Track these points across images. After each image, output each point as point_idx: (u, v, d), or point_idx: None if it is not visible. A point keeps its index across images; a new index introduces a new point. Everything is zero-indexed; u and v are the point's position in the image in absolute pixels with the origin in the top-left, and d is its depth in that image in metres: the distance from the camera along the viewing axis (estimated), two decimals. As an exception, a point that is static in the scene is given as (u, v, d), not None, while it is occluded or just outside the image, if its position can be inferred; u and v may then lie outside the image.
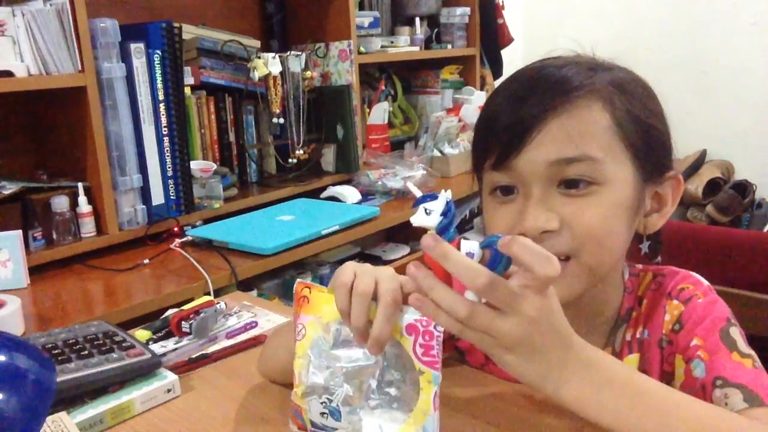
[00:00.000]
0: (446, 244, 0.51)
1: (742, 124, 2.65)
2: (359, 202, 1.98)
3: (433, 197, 0.53)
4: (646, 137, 0.66)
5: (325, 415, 0.62)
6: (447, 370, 0.80)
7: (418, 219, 0.53)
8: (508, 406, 0.73)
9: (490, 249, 0.51)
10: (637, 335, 0.73)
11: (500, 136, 0.65)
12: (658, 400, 0.54)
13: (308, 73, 2.05)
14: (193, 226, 1.71)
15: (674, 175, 0.70)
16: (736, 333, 0.67)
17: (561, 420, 0.69)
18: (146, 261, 1.52)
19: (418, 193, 0.54)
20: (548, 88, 0.64)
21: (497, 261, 0.51)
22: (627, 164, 0.65)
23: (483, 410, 0.72)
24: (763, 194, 2.62)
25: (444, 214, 0.52)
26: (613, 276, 0.74)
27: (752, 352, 0.66)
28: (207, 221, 1.76)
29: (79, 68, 1.48)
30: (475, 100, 2.57)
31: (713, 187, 2.60)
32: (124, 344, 0.81)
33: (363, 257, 2.04)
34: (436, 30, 2.60)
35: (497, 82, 2.74)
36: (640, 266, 0.77)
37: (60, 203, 1.51)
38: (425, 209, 0.52)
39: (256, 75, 1.92)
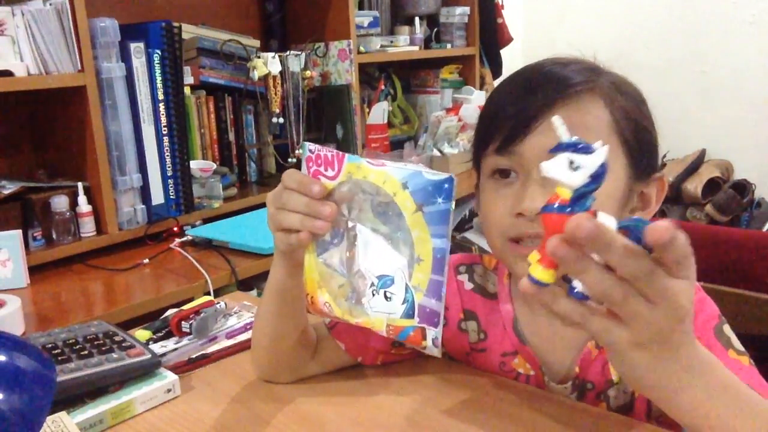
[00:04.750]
0: (610, 229, 0.42)
1: (742, 124, 2.65)
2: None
3: (586, 149, 0.42)
4: (639, 137, 0.69)
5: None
6: (426, 362, 0.81)
7: (554, 170, 0.43)
8: (493, 400, 0.73)
9: (629, 231, 0.43)
10: None
11: (506, 123, 0.68)
12: (756, 404, 0.53)
13: (308, 73, 2.05)
14: (193, 226, 1.71)
15: (660, 176, 0.72)
16: (729, 331, 0.68)
17: (542, 414, 0.69)
18: (146, 261, 1.52)
19: (566, 135, 0.43)
20: (555, 82, 0.67)
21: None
22: (621, 160, 0.68)
23: (466, 404, 0.73)
24: (762, 193, 2.62)
25: (595, 176, 0.42)
26: None
27: (745, 350, 0.66)
28: (207, 221, 1.76)
29: (79, 68, 1.48)
30: (475, 100, 2.57)
31: (712, 186, 2.60)
32: (124, 344, 0.81)
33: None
34: (435, 29, 2.60)
35: (497, 82, 2.74)
36: None
37: (60, 203, 1.51)
38: (570, 162, 0.42)
39: (256, 74, 1.92)
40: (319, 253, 0.66)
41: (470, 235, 2.39)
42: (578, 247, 0.43)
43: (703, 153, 2.71)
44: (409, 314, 0.60)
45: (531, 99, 0.67)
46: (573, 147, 0.43)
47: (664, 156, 2.70)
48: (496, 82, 2.74)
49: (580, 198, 0.43)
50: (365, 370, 0.82)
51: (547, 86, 0.67)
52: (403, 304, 0.60)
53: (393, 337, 0.62)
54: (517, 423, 0.69)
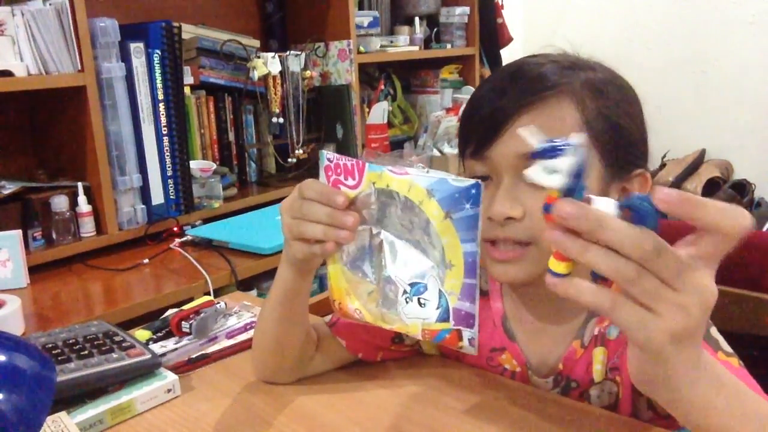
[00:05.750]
0: (595, 209, 0.42)
1: (741, 124, 2.65)
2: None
3: (557, 153, 0.43)
4: (614, 136, 0.69)
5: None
6: (425, 361, 0.81)
7: (535, 176, 0.44)
8: (492, 399, 0.73)
9: (632, 210, 0.42)
10: (603, 330, 0.73)
11: (478, 128, 0.69)
12: (752, 400, 0.52)
13: (308, 73, 2.05)
14: (193, 226, 1.71)
15: (642, 173, 0.73)
16: (717, 332, 0.68)
17: (544, 414, 0.69)
18: (146, 261, 1.52)
19: (536, 143, 0.44)
20: (524, 84, 0.68)
21: (642, 224, 0.42)
22: (593, 160, 0.68)
23: (466, 402, 0.73)
24: (762, 193, 2.62)
25: (574, 174, 0.44)
26: None
27: (733, 351, 0.66)
28: (206, 221, 1.76)
29: (79, 68, 1.48)
30: (475, 100, 2.57)
31: (712, 186, 2.60)
32: (124, 344, 0.81)
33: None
34: (435, 29, 2.60)
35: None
36: None
37: (60, 203, 1.51)
38: (545, 168, 0.44)
39: (256, 75, 1.92)
40: (344, 262, 0.66)
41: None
42: (574, 233, 0.43)
43: (702, 153, 2.71)
44: (443, 318, 0.60)
45: (501, 102, 0.67)
46: (543, 154, 0.44)
47: (664, 156, 2.70)
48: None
49: (568, 195, 0.44)
50: (365, 369, 0.82)
51: (517, 88, 0.67)
52: (437, 309, 0.60)
53: (429, 340, 0.63)
54: (520, 423, 0.69)
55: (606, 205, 0.43)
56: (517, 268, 0.68)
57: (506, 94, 0.68)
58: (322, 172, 0.65)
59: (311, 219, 0.63)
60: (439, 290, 0.60)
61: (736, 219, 0.42)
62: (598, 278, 0.45)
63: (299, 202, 0.64)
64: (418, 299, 0.61)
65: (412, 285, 0.61)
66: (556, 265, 0.46)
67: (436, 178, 0.58)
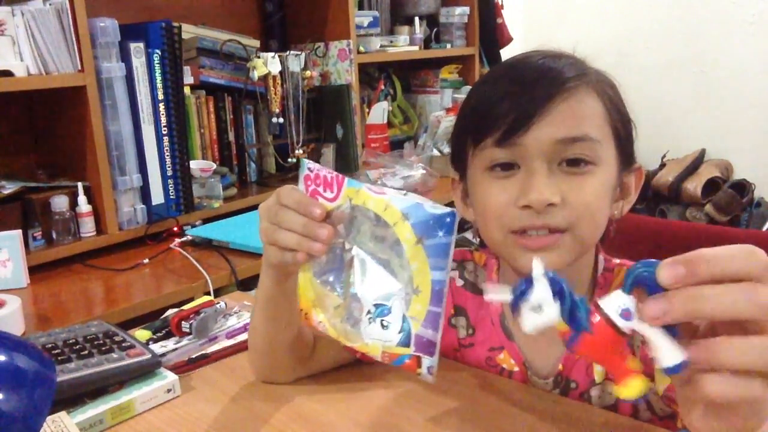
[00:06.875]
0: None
1: (741, 124, 2.65)
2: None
3: (525, 285, 0.44)
4: (624, 127, 0.71)
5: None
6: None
7: (532, 323, 0.43)
8: (494, 400, 0.73)
9: (643, 286, 0.41)
10: None
11: (506, 116, 0.67)
12: None
13: (308, 73, 2.05)
14: (193, 226, 1.72)
15: (638, 167, 0.75)
16: None
17: (529, 411, 0.69)
18: (146, 261, 1.52)
19: (504, 295, 0.45)
20: (551, 76, 0.68)
21: (656, 292, 0.41)
22: (612, 150, 0.70)
23: (466, 403, 0.73)
24: (761, 193, 2.62)
25: (558, 294, 0.43)
26: (587, 256, 0.76)
27: None
28: (206, 221, 1.76)
29: (79, 68, 1.48)
30: (475, 100, 2.56)
31: (712, 186, 2.60)
32: (124, 344, 0.81)
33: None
34: (435, 29, 2.60)
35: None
36: (617, 261, 0.79)
37: (60, 203, 1.51)
38: (532, 308, 0.43)
39: (256, 74, 1.92)
40: (314, 273, 0.66)
41: (470, 235, 2.39)
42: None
43: (702, 153, 2.71)
44: (405, 343, 0.59)
45: (530, 93, 0.67)
46: (519, 299, 0.44)
47: (664, 156, 2.70)
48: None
49: (572, 315, 0.43)
50: (365, 369, 0.82)
51: (544, 80, 0.68)
52: (399, 333, 0.59)
53: (387, 363, 0.62)
54: (520, 423, 0.69)
55: (622, 303, 0.42)
56: (554, 255, 0.67)
57: (536, 85, 0.67)
58: (301, 181, 0.65)
59: (286, 227, 0.63)
60: (403, 314, 0.59)
61: None
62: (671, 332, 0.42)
63: (276, 208, 0.64)
64: (381, 321, 0.60)
65: (376, 306, 0.61)
66: (628, 390, 0.43)
67: (412, 202, 0.57)
